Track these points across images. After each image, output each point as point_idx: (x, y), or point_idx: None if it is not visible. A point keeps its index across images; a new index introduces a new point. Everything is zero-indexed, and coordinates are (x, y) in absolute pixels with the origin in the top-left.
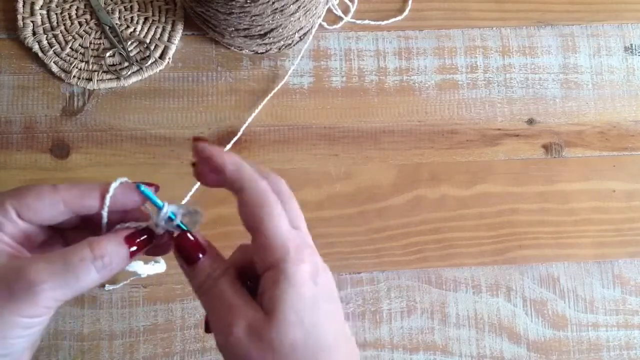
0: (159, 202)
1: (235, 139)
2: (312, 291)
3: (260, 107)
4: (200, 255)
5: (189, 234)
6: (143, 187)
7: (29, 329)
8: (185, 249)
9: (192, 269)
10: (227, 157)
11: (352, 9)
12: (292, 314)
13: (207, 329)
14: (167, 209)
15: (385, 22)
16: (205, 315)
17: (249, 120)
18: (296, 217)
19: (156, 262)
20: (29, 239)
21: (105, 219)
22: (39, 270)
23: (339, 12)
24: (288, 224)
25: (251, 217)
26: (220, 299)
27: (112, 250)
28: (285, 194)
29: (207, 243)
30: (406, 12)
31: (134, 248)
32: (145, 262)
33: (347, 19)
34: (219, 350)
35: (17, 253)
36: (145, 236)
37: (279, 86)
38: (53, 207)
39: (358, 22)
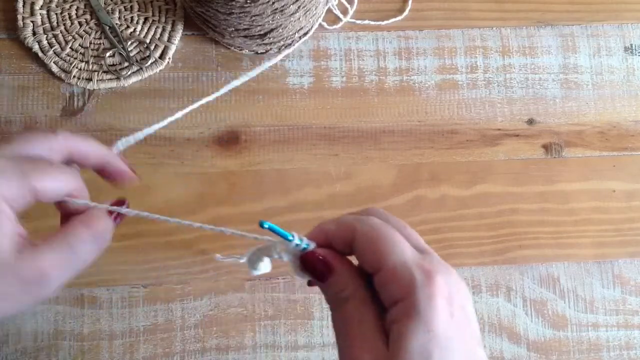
0: (287, 234)
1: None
2: (446, 328)
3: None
4: (329, 275)
5: (317, 254)
6: (268, 224)
7: (32, 307)
8: (315, 271)
9: (324, 285)
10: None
11: (351, 11)
12: (419, 356)
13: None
14: (296, 240)
15: (385, 22)
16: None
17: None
18: (418, 240)
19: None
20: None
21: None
22: (49, 261)
23: (339, 13)
24: (412, 249)
25: (371, 256)
26: (345, 323)
27: (104, 225)
28: (398, 222)
29: (336, 261)
30: (406, 12)
31: (116, 219)
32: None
33: (347, 19)
34: None
35: (23, 241)
36: (120, 206)
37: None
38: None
39: (358, 22)
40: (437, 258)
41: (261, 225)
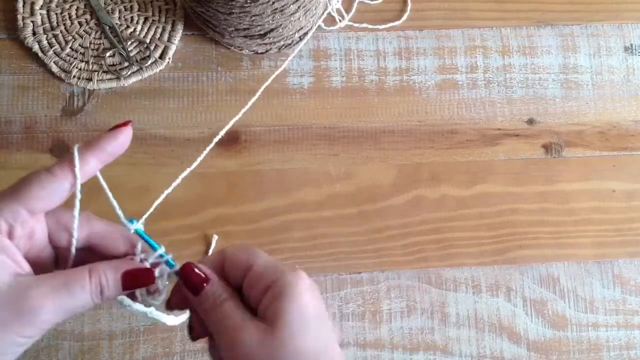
0: (156, 244)
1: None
2: (311, 302)
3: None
4: (205, 285)
5: (192, 266)
6: (140, 230)
7: (22, 347)
8: (191, 281)
9: (198, 298)
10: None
11: (347, 17)
12: (295, 323)
13: (192, 335)
14: (164, 254)
15: (383, 25)
16: (190, 319)
17: (232, 121)
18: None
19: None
20: (32, 240)
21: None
22: (43, 295)
23: (337, 17)
24: (272, 258)
25: (242, 261)
26: (225, 319)
27: (110, 282)
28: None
29: (210, 272)
30: (404, 18)
31: (127, 285)
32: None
33: (345, 21)
34: None
35: (21, 271)
36: (145, 276)
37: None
38: (58, 191)
39: (356, 24)
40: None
41: (131, 221)
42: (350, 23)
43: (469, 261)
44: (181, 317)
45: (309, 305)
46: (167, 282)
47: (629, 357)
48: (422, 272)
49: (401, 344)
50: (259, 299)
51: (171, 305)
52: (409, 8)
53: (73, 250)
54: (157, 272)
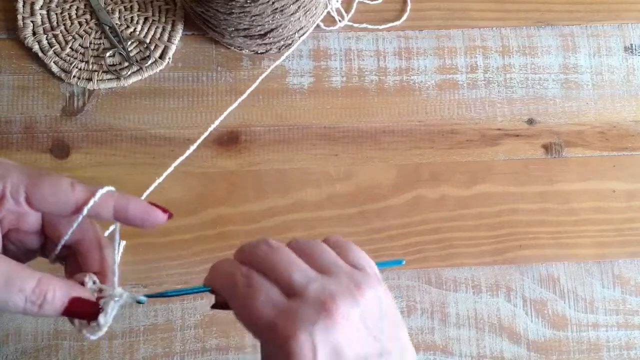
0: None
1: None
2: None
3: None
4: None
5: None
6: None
7: None
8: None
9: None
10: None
11: (347, 17)
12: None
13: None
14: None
15: (383, 26)
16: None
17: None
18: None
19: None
20: (20, 223)
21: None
22: None
23: (337, 16)
24: (278, 295)
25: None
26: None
27: (50, 299)
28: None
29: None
30: (404, 18)
31: (69, 311)
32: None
33: (345, 21)
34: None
35: None
36: (90, 311)
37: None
38: (64, 201)
39: (356, 25)
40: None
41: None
42: (350, 23)
43: (469, 261)
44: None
45: None
46: (109, 321)
47: (629, 357)
48: (422, 272)
49: None
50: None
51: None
52: (408, 8)
53: (58, 249)
54: (109, 307)
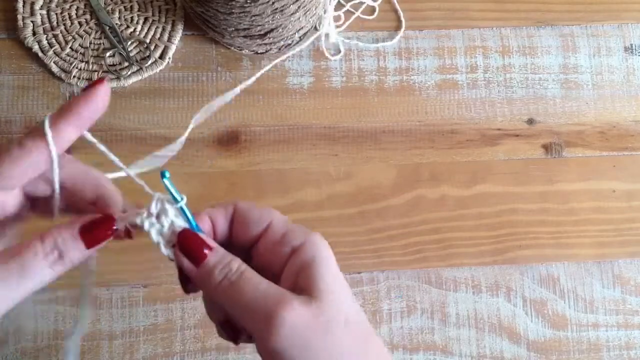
0: (179, 194)
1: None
2: (338, 269)
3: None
4: (207, 251)
5: (192, 232)
6: (167, 177)
7: None
8: (190, 245)
9: (202, 268)
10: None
11: (343, 51)
12: (336, 291)
13: (188, 287)
14: (182, 203)
15: (381, 44)
16: (180, 273)
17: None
18: None
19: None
20: (4, 211)
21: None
22: None
23: (327, 52)
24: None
25: (256, 217)
26: (253, 290)
27: (63, 243)
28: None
29: (213, 242)
30: (398, 38)
31: (90, 241)
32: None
33: (340, 29)
34: (258, 343)
35: None
36: (104, 228)
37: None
38: (32, 167)
39: (346, 41)
40: None
41: (162, 174)
42: (342, 39)
43: (469, 261)
44: None
45: (340, 273)
46: (154, 212)
47: (629, 357)
48: (422, 272)
49: (401, 344)
50: (280, 264)
51: (189, 290)
52: (402, 27)
53: (56, 208)
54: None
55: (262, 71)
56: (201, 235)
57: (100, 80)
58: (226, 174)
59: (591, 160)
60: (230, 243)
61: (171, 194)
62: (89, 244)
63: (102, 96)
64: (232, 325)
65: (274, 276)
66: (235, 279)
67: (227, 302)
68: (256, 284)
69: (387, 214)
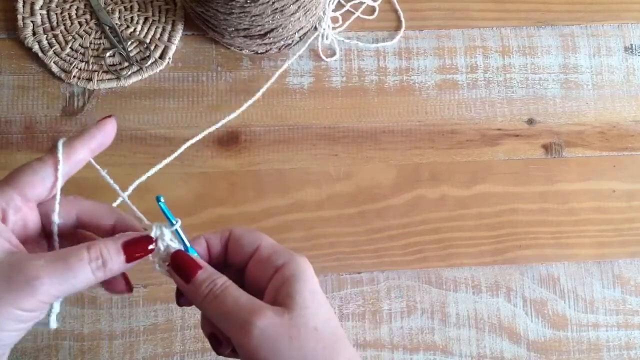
0: (173, 218)
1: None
2: (318, 286)
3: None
4: (198, 270)
5: (183, 253)
6: (162, 201)
7: (22, 324)
8: (182, 264)
9: (192, 284)
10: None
11: (339, 54)
12: (310, 305)
13: (181, 301)
14: (178, 225)
15: (381, 44)
16: (177, 288)
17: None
18: None
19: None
20: (26, 230)
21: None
22: (39, 266)
23: (323, 55)
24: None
25: (248, 240)
26: (233, 302)
27: (107, 254)
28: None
29: (200, 260)
30: (398, 38)
31: (130, 255)
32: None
33: (340, 29)
34: (238, 350)
35: (15, 249)
36: (143, 245)
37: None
38: (49, 177)
39: (346, 41)
40: None
41: (157, 199)
42: (342, 39)
43: (469, 261)
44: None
45: (319, 289)
46: (166, 240)
47: (629, 357)
48: (422, 272)
49: (401, 344)
50: (265, 280)
51: (181, 303)
52: (402, 27)
53: (55, 228)
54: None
55: (287, 63)
56: (192, 255)
57: (110, 116)
58: (226, 174)
59: (591, 160)
60: (225, 263)
61: (167, 216)
62: (129, 259)
63: (111, 127)
64: (217, 337)
65: (261, 291)
66: (219, 293)
67: (211, 313)
68: (237, 297)
69: (387, 214)
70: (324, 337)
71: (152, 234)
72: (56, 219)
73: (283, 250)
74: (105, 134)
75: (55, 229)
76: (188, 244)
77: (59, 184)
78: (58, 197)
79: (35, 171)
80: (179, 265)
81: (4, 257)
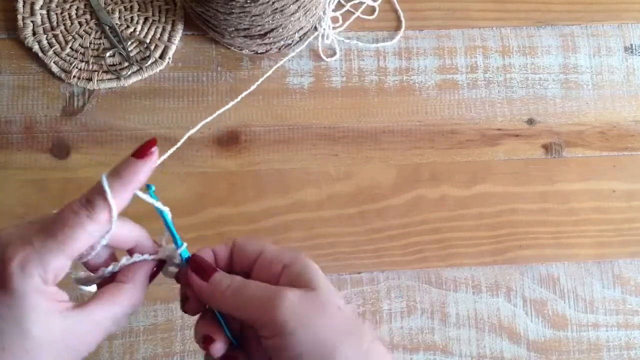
0: (179, 240)
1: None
2: (325, 278)
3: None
4: (215, 273)
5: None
6: (168, 218)
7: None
8: (200, 263)
9: (211, 281)
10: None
11: (339, 54)
12: (327, 287)
13: (186, 308)
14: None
15: (381, 44)
16: (182, 292)
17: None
18: None
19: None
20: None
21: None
22: (100, 314)
23: (323, 55)
24: None
25: (252, 248)
26: (256, 287)
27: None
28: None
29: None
30: (398, 38)
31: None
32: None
33: (340, 29)
34: (262, 332)
35: (65, 308)
36: (148, 147)
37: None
38: (100, 236)
39: (346, 41)
40: None
41: (164, 218)
42: (342, 39)
43: (469, 261)
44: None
45: (324, 278)
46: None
47: (629, 357)
48: (422, 272)
49: (401, 344)
50: (274, 278)
51: (187, 310)
52: (402, 27)
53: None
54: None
55: (286, 58)
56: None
57: (153, 141)
58: (226, 174)
59: (591, 160)
60: (231, 270)
61: (173, 236)
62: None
63: (154, 157)
64: (212, 338)
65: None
66: (238, 285)
67: (232, 303)
68: (258, 284)
69: (387, 214)
70: (349, 315)
71: (161, 255)
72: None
73: (287, 250)
74: (150, 168)
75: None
76: (178, 239)
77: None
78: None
79: (90, 234)
80: (199, 264)
81: (61, 322)
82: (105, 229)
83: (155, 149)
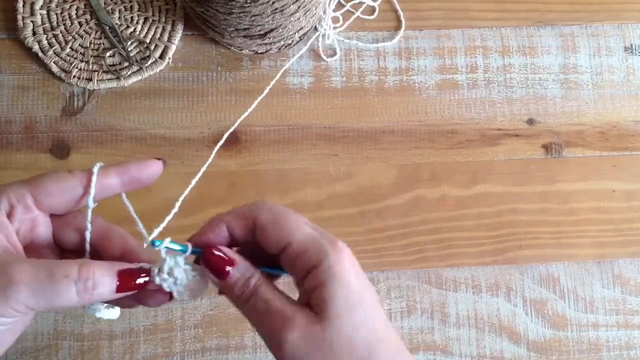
0: (183, 247)
1: (224, 137)
2: (358, 284)
3: (252, 106)
4: (229, 268)
5: (214, 249)
6: (161, 245)
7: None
8: (214, 264)
9: (225, 283)
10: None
11: (337, 42)
12: (344, 311)
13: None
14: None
15: (381, 44)
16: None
17: (240, 119)
18: (308, 221)
19: (112, 307)
20: (33, 235)
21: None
22: (22, 271)
23: (323, 55)
24: (311, 226)
25: (278, 233)
26: (265, 307)
27: (99, 277)
28: (289, 210)
29: (234, 254)
30: (398, 38)
31: (123, 285)
32: (106, 307)
33: (340, 29)
34: (272, 353)
35: (11, 249)
36: (140, 278)
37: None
38: (71, 190)
39: (346, 41)
40: (330, 233)
41: (153, 245)
42: (342, 39)
43: (469, 261)
44: (110, 313)
45: (355, 290)
46: (165, 277)
47: (629, 357)
48: (422, 272)
49: None
50: (300, 276)
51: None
52: (402, 27)
53: (88, 247)
54: (165, 267)
55: (289, 62)
56: (223, 250)
57: (160, 159)
58: (226, 174)
59: (591, 160)
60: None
61: (179, 249)
62: (120, 288)
63: (154, 167)
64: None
65: (298, 281)
66: (251, 296)
67: (246, 315)
68: (268, 302)
69: (387, 214)
70: (359, 345)
71: (164, 269)
72: (88, 237)
73: (316, 244)
74: (142, 170)
75: (87, 246)
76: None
77: (90, 203)
78: (90, 212)
79: (57, 179)
80: (211, 263)
81: None
82: (80, 185)
83: (157, 162)
